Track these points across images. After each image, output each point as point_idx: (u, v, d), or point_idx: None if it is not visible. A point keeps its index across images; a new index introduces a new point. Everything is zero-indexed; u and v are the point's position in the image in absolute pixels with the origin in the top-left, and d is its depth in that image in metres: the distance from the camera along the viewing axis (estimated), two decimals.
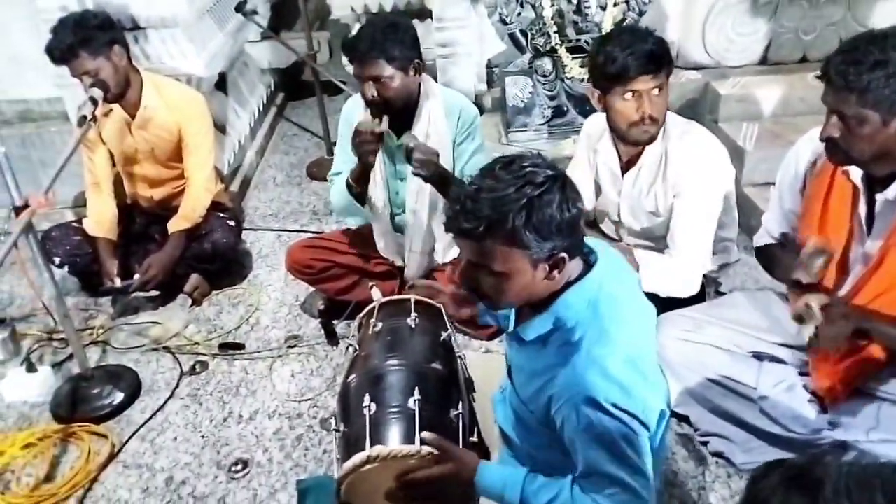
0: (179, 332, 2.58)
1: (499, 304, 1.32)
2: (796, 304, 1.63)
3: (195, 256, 2.72)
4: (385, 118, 2.09)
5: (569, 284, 1.27)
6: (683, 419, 1.98)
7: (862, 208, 1.66)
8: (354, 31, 2.46)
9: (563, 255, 1.21)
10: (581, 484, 1.27)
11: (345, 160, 2.36)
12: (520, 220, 1.16)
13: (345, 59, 3.33)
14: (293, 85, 4.72)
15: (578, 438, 1.24)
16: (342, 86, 3.41)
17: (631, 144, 2.03)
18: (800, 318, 1.62)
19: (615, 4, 2.92)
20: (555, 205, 1.17)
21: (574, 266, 1.28)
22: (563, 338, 1.27)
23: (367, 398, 1.58)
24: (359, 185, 2.26)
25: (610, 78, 1.90)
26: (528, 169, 1.19)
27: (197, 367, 2.43)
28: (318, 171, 3.67)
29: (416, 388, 1.57)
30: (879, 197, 1.61)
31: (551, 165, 1.22)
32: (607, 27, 2.94)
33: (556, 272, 1.23)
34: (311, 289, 2.66)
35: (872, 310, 1.64)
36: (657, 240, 2.15)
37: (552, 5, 2.92)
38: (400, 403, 1.57)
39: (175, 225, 2.68)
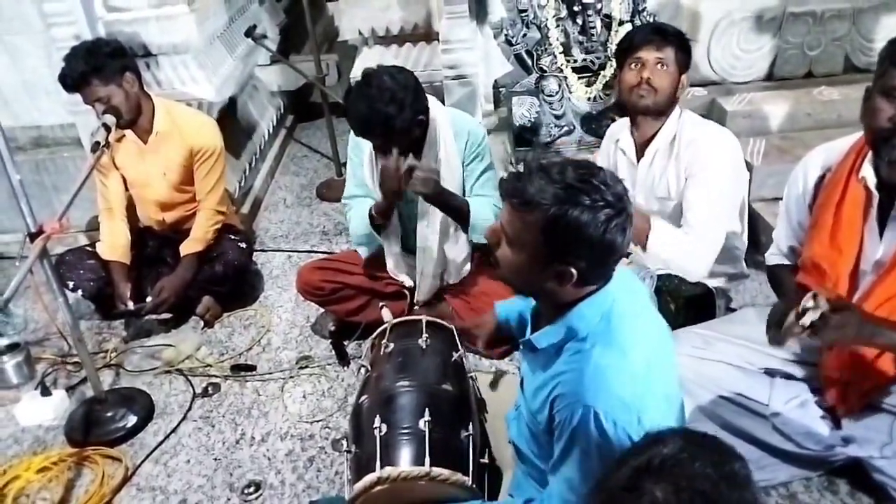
0: (192, 355, 2.60)
1: (502, 273, 1.34)
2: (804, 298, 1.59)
3: (207, 279, 2.75)
4: (406, 164, 2.07)
5: (584, 297, 1.28)
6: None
7: (873, 215, 1.67)
8: (358, 64, 2.45)
9: (573, 270, 1.21)
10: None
11: (357, 183, 2.38)
12: (549, 217, 1.17)
13: (357, 73, 3.36)
14: (302, 107, 4.77)
15: (565, 437, 1.25)
16: None
17: (633, 114, 2.15)
18: (801, 314, 1.59)
19: (620, 24, 2.95)
20: (591, 226, 1.17)
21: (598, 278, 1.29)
22: (575, 347, 1.28)
23: (377, 419, 1.59)
24: (382, 218, 2.29)
25: (621, 52, 2.13)
26: (594, 182, 1.19)
27: (209, 389, 2.44)
28: (328, 191, 3.69)
29: (427, 409, 1.59)
30: None
31: (621, 196, 1.20)
32: (613, 47, 2.96)
33: (560, 282, 1.24)
34: (322, 310, 2.67)
35: (882, 317, 1.63)
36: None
37: (557, 26, 2.95)
38: (410, 425, 1.58)
39: (187, 248, 2.71)
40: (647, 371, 1.25)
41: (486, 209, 2.26)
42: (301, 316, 2.78)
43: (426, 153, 2.22)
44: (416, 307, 2.45)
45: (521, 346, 1.45)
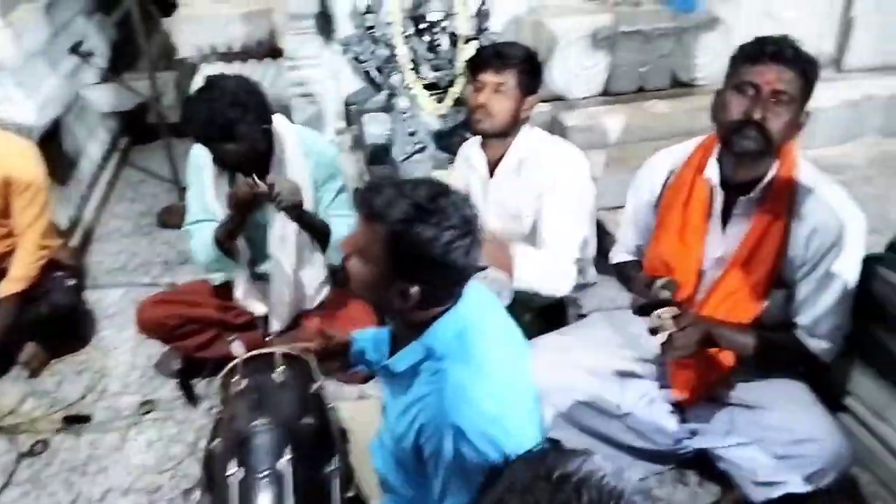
0: (14, 409, 2.33)
1: (353, 285, 1.32)
2: (650, 316, 1.70)
3: (30, 322, 2.48)
4: (266, 182, 1.98)
5: (436, 316, 1.27)
6: (556, 443, 2.01)
7: (717, 212, 1.78)
8: (197, 81, 2.34)
9: (413, 290, 1.21)
10: None
11: (200, 207, 2.24)
12: (393, 231, 1.17)
13: None
14: (138, 128, 4.46)
15: (440, 466, 1.24)
16: None
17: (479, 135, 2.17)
18: (654, 331, 1.69)
19: (467, 41, 3.00)
20: (433, 245, 1.17)
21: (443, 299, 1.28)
22: (432, 367, 1.27)
23: (232, 464, 1.49)
24: (229, 239, 2.16)
25: (468, 71, 2.16)
26: (441, 202, 1.19)
27: (37, 446, 2.19)
28: (170, 218, 3.47)
29: (287, 448, 1.50)
30: (742, 199, 1.73)
31: (468, 219, 1.21)
32: (460, 65, 3.01)
33: (404, 301, 1.23)
34: (166, 347, 2.48)
35: (720, 319, 1.76)
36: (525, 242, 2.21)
37: (405, 43, 2.95)
38: (269, 466, 1.49)
39: (5, 288, 2.43)
40: (505, 386, 1.26)
41: (344, 231, 2.19)
42: (142, 356, 2.57)
43: (273, 172, 2.13)
44: (268, 338, 2.33)
45: (380, 372, 1.41)
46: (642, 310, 1.71)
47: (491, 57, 2.08)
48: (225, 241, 2.15)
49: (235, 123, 1.91)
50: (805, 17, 3.74)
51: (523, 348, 1.42)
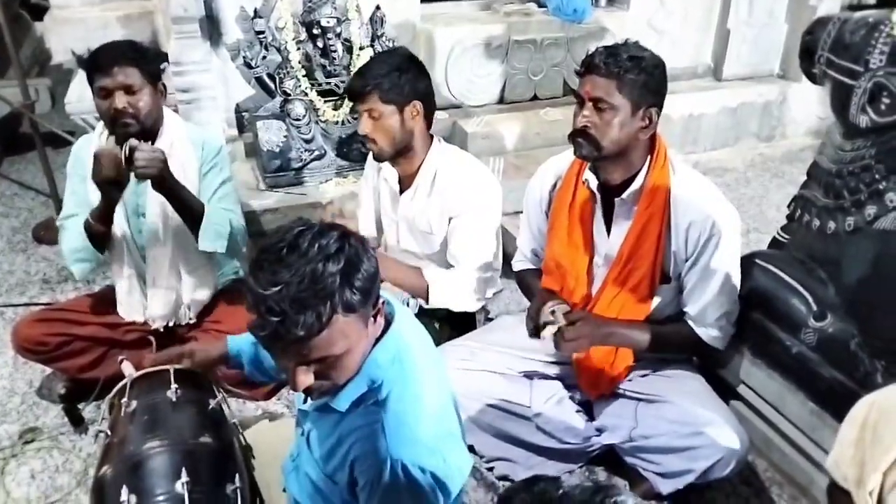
0: None
1: (339, 385, 1.21)
2: (543, 309, 1.78)
3: None
4: (126, 146, 1.86)
5: (375, 342, 1.23)
6: (469, 448, 2.00)
7: (599, 213, 1.86)
8: (73, 87, 2.22)
9: (383, 297, 1.21)
10: None
11: (78, 202, 2.08)
12: (346, 293, 1.08)
13: (73, 98, 3.01)
14: (10, 139, 4.14)
15: (374, 494, 1.20)
16: (68, 137, 3.04)
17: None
18: (542, 327, 1.75)
19: (361, 48, 2.96)
20: (361, 258, 1.12)
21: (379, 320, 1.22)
22: (371, 397, 1.23)
23: (124, 491, 1.38)
24: (101, 224, 2.00)
25: None
26: (319, 241, 1.09)
27: None
28: (47, 233, 3.22)
29: (184, 469, 1.41)
30: (618, 200, 1.81)
31: (329, 224, 1.14)
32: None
33: (380, 317, 1.20)
34: (49, 370, 2.29)
35: (611, 317, 1.83)
36: (435, 260, 2.20)
37: (298, 49, 2.88)
38: (166, 490, 1.39)
39: None
40: (440, 408, 1.26)
41: (222, 217, 2.09)
42: (22, 381, 2.36)
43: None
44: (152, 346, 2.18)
45: (309, 407, 1.33)
46: (535, 332, 1.79)
47: (353, 86, 2.00)
48: (97, 223, 2.00)
49: (138, 53, 1.97)
50: (685, 29, 3.98)
51: (440, 358, 1.40)
